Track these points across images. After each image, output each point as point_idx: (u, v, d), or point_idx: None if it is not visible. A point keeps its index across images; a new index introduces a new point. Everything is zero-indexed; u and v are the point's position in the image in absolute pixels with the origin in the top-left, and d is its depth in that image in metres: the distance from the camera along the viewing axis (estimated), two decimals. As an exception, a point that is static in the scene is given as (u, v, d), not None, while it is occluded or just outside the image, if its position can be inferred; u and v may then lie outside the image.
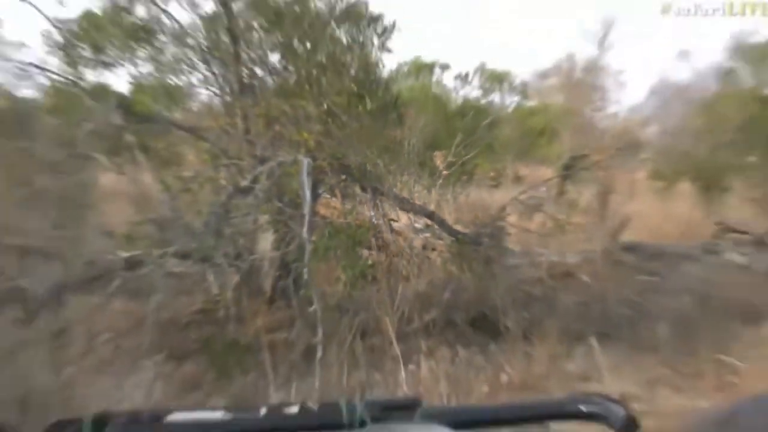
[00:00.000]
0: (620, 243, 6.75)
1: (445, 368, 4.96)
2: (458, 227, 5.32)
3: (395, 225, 5.42)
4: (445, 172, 5.77)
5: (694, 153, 9.26)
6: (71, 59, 5.33)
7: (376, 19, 5.19)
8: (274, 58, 5.35)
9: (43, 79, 5.47)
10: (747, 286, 6.22)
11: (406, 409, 1.33)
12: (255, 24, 5.16)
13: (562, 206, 5.87)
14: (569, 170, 6.76)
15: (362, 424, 1.24)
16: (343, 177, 5.28)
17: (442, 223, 5.21)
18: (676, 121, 10.21)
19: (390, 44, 5.64)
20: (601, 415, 1.33)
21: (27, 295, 5.22)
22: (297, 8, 5.07)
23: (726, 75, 10.12)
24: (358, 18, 5.17)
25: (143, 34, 5.35)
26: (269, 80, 5.34)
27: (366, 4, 5.29)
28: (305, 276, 4.78)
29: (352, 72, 5.17)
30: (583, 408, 1.37)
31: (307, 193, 4.68)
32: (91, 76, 5.46)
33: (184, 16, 5.42)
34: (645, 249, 7.12)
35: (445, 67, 12.21)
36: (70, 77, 5.39)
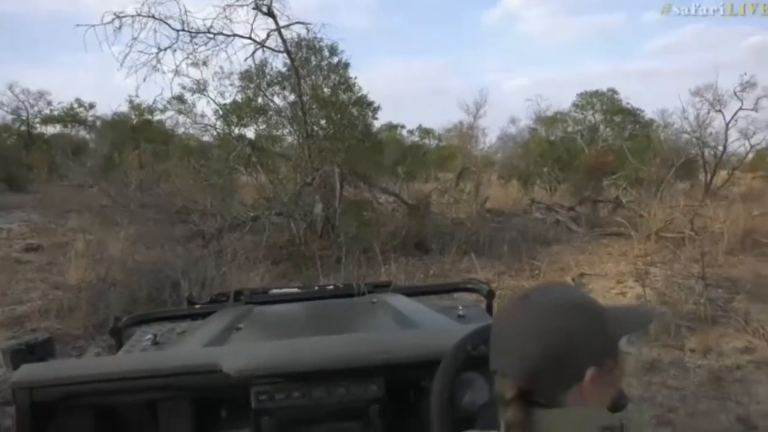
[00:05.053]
0: (484, 208, 10.35)
1: (403, 267, 7.75)
2: (408, 200, 9.58)
3: (380, 200, 9.70)
4: (402, 176, 10.45)
5: (518, 166, 14.67)
6: (227, 123, 10.03)
7: (371, 104, 9.95)
8: (322, 122, 9.73)
9: (213, 132, 10.24)
10: (542, 229, 10.10)
11: (384, 286, 2.41)
12: (314, 106, 9.60)
13: (457, 191, 10.18)
14: (461, 175, 10.93)
15: (363, 294, 2.26)
16: (355, 178, 9.50)
17: (401, 199, 9.62)
18: (510, 152, 15.53)
19: (377, 115, 10.30)
20: (476, 289, 2.36)
21: (204, 233, 8.58)
22: (333, 98, 9.70)
23: (533, 130, 16.11)
24: (363, 103, 9.86)
25: (261, 111, 9.94)
26: (320, 132, 9.55)
27: (367, 96, 10.02)
28: (337, 223, 8.75)
29: (359, 128, 9.70)
30: (468, 286, 2.45)
31: (338, 185, 8.76)
32: (236, 130, 10.10)
33: (280, 102, 10.05)
34: (496, 211, 11.04)
35: (402, 126, 19.93)
36: (226, 131, 10.09)
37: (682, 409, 3.75)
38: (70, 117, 22.22)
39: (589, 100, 17.06)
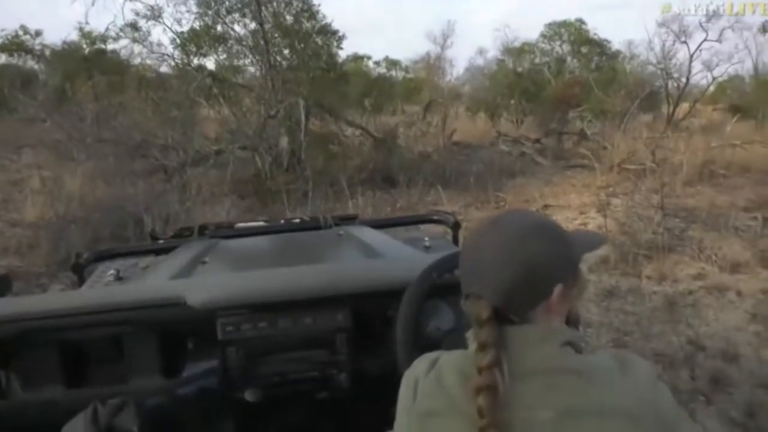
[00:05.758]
0: (451, 141, 10.46)
1: (370, 201, 7.86)
2: (375, 133, 9.50)
3: (346, 133, 9.58)
4: (369, 109, 10.29)
5: (485, 98, 14.65)
6: (185, 52, 9.55)
7: (335, 32, 9.61)
8: (286, 51, 9.41)
9: (171, 62, 9.75)
10: (508, 161, 10.25)
11: (351, 219, 2.49)
12: (276, 35, 9.25)
13: (424, 124, 10.12)
14: (428, 107, 10.73)
15: (329, 226, 2.31)
16: (321, 110, 9.34)
17: (368, 132, 9.53)
18: (477, 84, 15.45)
19: (342, 45, 9.92)
20: (442, 220, 2.48)
21: (167, 167, 8.54)
22: (296, 27, 9.32)
23: (500, 62, 16.00)
24: (327, 32, 9.52)
25: (221, 40, 9.49)
26: (283, 63, 9.29)
27: (331, 24, 9.65)
28: (303, 157, 8.62)
29: (324, 59, 9.42)
30: (434, 217, 2.58)
31: (303, 118, 8.56)
32: (195, 60, 9.64)
33: (241, 30, 9.62)
34: (462, 144, 11.21)
35: (368, 58, 19.39)
36: (185, 61, 9.66)
37: (638, 332, 3.93)
38: (15, 45, 20.79)
39: (557, 30, 16.85)
